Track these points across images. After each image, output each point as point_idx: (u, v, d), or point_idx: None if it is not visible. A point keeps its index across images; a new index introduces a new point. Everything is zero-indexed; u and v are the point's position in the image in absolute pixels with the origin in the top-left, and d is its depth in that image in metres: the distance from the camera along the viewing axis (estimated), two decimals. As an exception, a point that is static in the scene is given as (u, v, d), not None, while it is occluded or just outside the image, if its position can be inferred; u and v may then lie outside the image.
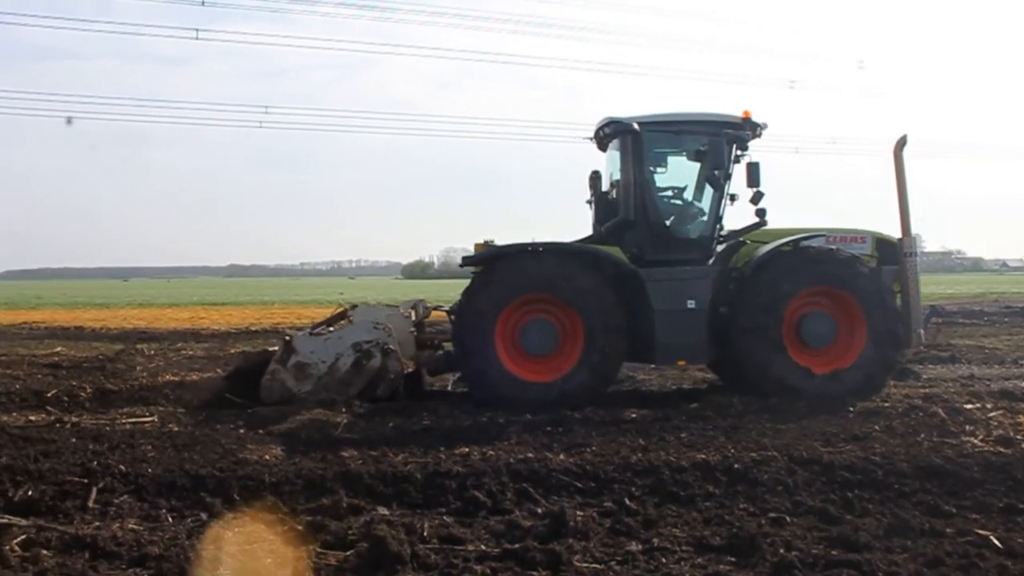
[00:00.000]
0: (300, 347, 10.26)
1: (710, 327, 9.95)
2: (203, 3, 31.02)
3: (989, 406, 9.07)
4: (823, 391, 9.46)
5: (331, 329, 10.99)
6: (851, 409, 8.84)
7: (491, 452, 7.10)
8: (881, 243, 10.70)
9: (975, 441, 7.28)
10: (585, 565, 4.57)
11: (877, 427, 7.92)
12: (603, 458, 6.71)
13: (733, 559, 4.68)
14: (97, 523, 5.42)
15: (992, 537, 4.88)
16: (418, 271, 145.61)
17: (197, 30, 34.33)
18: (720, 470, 6.32)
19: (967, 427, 7.89)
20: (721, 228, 10.55)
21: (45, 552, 4.77)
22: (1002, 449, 6.94)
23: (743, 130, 10.30)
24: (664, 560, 4.66)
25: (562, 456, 6.84)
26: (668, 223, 10.45)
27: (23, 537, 5.02)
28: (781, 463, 6.45)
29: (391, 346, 10.25)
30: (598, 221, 10.94)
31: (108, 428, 8.42)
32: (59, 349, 17.87)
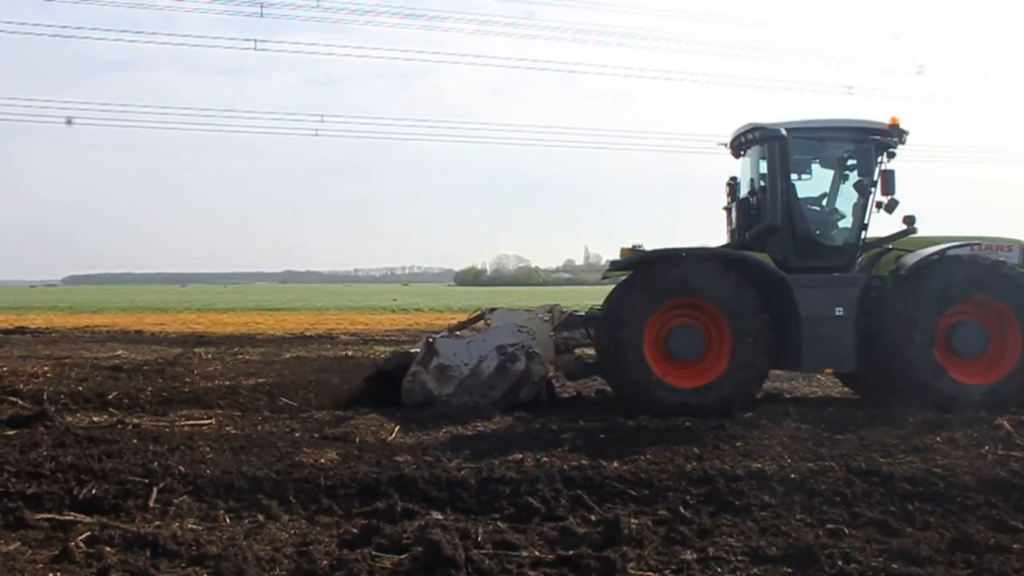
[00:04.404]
0: (442, 349, 10.28)
1: (856, 335, 9.83)
2: (261, 15, 31.53)
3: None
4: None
5: (458, 333, 11.01)
6: (911, 420, 8.66)
7: (545, 459, 7.08)
8: None
9: (1043, 455, 7.08)
10: (639, 573, 4.54)
11: (939, 439, 7.73)
12: (657, 466, 6.66)
13: (790, 570, 4.61)
14: (158, 522, 5.54)
15: (1061, 554, 4.73)
16: (471, 278, 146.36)
17: (255, 40, 35.08)
18: (776, 480, 6.23)
19: (1034, 440, 7.67)
20: (865, 235, 10.45)
21: (108, 549, 4.90)
22: (1071, 463, 6.74)
23: (890, 137, 10.18)
24: (719, 569, 4.62)
25: (616, 464, 6.80)
26: (814, 229, 10.38)
27: (87, 534, 5.18)
28: (839, 474, 6.34)
29: (535, 349, 10.26)
30: (738, 228, 10.87)
31: (168, 430, 8.59)
32: (120, 352, 18.25)
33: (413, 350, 11.18)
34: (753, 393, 9.91)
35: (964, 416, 8.58)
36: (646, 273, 9.87)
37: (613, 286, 10.25)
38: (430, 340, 10.44)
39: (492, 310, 11.62)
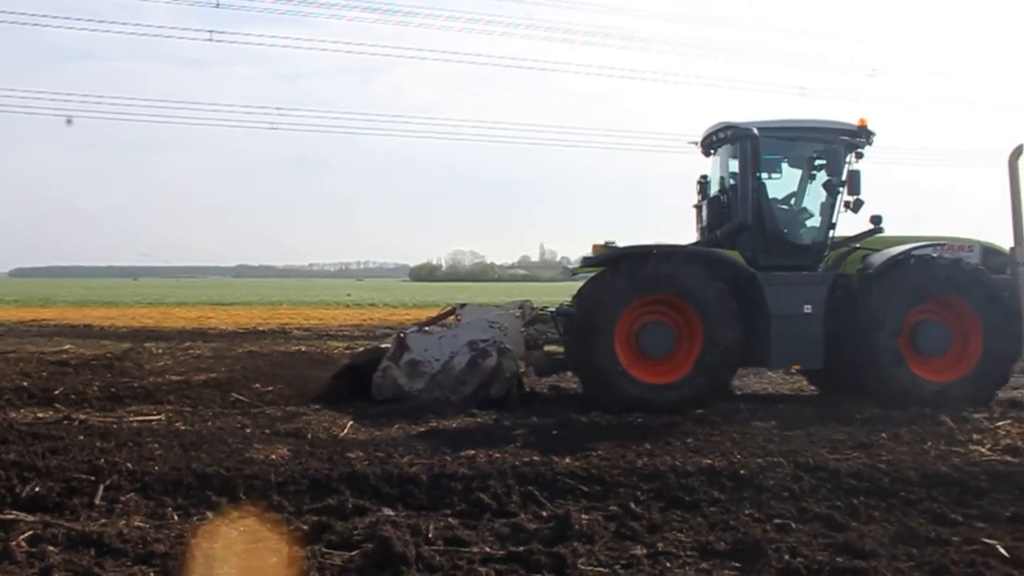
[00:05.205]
0: (413, 345, 10.23)
1: (824, 332, 9.99)
2: (217, 5, 31.13)
3: (997, 415, 9.04)
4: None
5: (426, 328, 10.95)
6: (858, 416, 8.84)
7: (497, 455, 7.10)
8: (988, 252, 10.69)
9: (982, 450, 7.29)
10: (590, 569, 4.56)
11: (884, 435, 7.91)
12: (609, 462, 6.71)
13: (738, 564, 4.67)
14: (103, 520, 5.43)
15: (998, 546, 4.86)
16: (425, 274, 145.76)
17: (211, 32, 34.53)
18: (726, 475, 6.31)
19: (974, 436, 7.89)
20: (833, 234, 10.63)
21: (51, 548, 4.79)
22: (1009, 458, 6.95)
23: (859, 137, 10.37)
24: (669, 564, 4.65)
25: (568, 460, 6.83)
26: (784, 228, 10.53)
27: (29, 533, 5.05)
28: (787, 469, 6.45)
29: (506, 345, 10.24)
30: (709, 226, 10.95)
31: (115, 426, 8.45)
32: (68, 347, 17.91)
33: (384, 345, 11.13)
34: (723, 389, 10.11)
35: (908, 413, 8.81)
36: (619, 270, 9.92)
37: (582, 283, 10.33)
38: (401, 335, 10.40)
39: (463, 305, 11.62)
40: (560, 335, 10.70)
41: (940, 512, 5.57)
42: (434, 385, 10.02)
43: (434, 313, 12.73)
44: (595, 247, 10.15)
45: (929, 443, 7.54)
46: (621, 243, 10.17)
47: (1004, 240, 10.45)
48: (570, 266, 12.04)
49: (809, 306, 9.92)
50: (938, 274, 9.92)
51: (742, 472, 6.37)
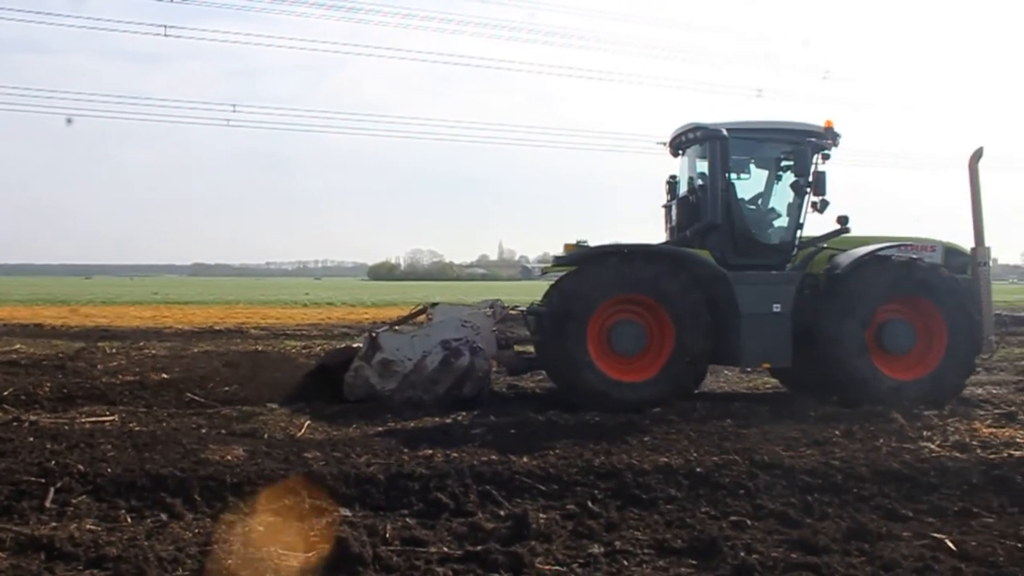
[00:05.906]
0: (385, 344, 10.14)
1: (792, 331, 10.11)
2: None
3: (946, 412, 9.21)
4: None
5: (396, 328, 10.87)
6: (812, 414, 8.97)
7: (455, 454, 7.07)
8: (950, 252, 10.88)
9: (932, 446, 7.43)
10: (547, 567, 4.58)
11: (837, 432, 8.03)
12: (566, 461, 6.73)
13: (694, 562, 4.72)
14: (54, 523, 5.33)
15: (947, 540, 4.98)
16: (384, 272, 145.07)
17: (165, 27, 34.04)
18: (682, 473, 6.37)
19: (925, 433, 8.04)
20: (801, 234, 10.76)
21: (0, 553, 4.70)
22: (958, 454, 7.09)
23: (825, 139, 10.53)
24: (626, 563, 4.69)
25: (525, 459, 6.82)
26: (752, 228, 10.64)
27: (-23, 538, 4.94)
28: (743, 467, 6.52)
29: (479, 344, 10.22)
30: (678, 226, 11.04)
31: (67, 427, 8.29)
32: (18, 346, 17.53)
33: (356, 345, 11.07)
34: (694, 387, 10.30)
35: (861, 410, 8.97)
36: (591, 269, 9.99)
37: (549, 283, 10.40)
38: (373, 335, 10.35)
39: (434, 304, 11.60)
40: (530, 334, 10.73)
41: (891, 508, 5.70)
42: (407, 385, 9.99)
43: (402, 312, 12.69)
44: (567, 246, 10.23)
45: (881, 440, 7.68)
46: (592, 243, 10.25)
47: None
48: (529, 265, 12.16)
49: (778, 305, 10.07)
50: (915, 275, 10.13)
51: (698, 470, 6.43)
